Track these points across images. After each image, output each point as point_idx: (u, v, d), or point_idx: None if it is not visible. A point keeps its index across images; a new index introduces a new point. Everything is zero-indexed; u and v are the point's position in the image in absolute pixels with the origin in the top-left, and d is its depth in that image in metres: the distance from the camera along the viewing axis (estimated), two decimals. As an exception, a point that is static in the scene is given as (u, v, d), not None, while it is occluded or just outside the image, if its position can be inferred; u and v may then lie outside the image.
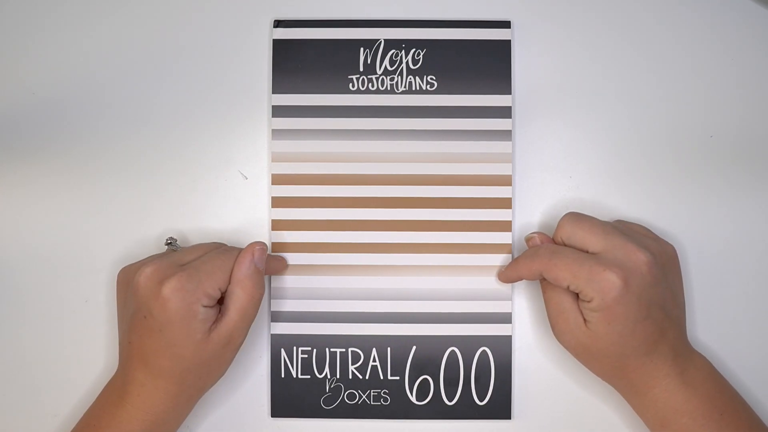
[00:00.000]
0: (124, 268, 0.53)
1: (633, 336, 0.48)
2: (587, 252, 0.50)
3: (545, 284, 0.52)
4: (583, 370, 0.52)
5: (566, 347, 0.51)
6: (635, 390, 0.51)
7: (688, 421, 0.49)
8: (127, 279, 0.51)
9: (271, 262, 0.54)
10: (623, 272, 0.48)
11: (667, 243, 0.52)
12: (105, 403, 0.51)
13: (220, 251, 0.51)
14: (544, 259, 0.50)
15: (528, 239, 0.54)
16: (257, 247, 0.51)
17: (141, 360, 0.49)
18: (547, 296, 0.52)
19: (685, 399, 0.49)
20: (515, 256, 0.56)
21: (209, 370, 0.51)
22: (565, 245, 0.51)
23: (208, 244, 0.53)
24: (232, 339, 0.50)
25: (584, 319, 0.49)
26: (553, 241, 0.52)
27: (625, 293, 0.47)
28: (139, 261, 0.52)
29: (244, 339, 0.51)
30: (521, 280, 0.54)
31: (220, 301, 0.51)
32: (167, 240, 0.53)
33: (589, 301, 0.48)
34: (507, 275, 0.53)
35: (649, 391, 0.50)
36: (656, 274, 0.49)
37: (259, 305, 0.51)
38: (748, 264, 0.56)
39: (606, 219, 0.56)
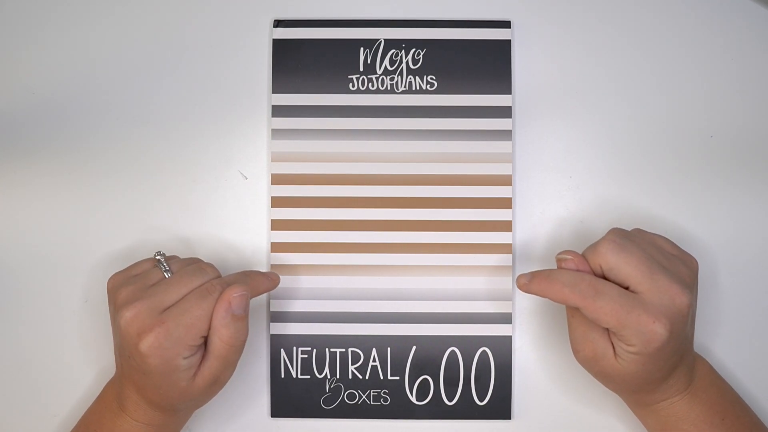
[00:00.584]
0: (112, 279, 0.51)
1: (661, 371, 0.48)
2: (628, 288, 0.46)
3: (573, 310, 0.48)
4: (583, 371, 0.52)
5: (586, 369, 0.50)
6: (641, 403, 0.51)
7: (689, 427, 0.49)
8: (111, 303, 0.50)
9: (259, 283, 0.51)
10: (670, 323, 0.45)
11: (690, 258, 0.50)
12: (105, 410, 0.51)
13: (200, 295, 0.48)
14: (587, 299, 0.45)
15: (560, 260, 0.48)
16: (235, 294, 0.48)
17: (133, 385, 0.49)
18: (574, 322, 0.49)
19: (687, 407, 0.49)
20: (515, 256, 0.56)
21: (199, 402, 0.51)
22: (603, 275, 0.47)
23: (193, 271, 0.50)
24: (218, 380, 0.49)
25: (614, 353, 0.47)
26: (590, 266, 0.48)
27: (668, 342, 0.46)
28: (126, 276, 0.50)
29: (230, 376, 0.50)
30: (545, 298, 0.48)
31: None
32: (156, 255, 0.51)
33: (629, 345, 0.46)
34: (530, 287, 0.48)
35: (654, 404, 0.50)
36: (693, 313, 0.47)
37: (243, 347, 0.49)
38: (748, 264, 0.56)
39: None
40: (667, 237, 0.51)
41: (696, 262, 0.49)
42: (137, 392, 0.49)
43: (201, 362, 0.48)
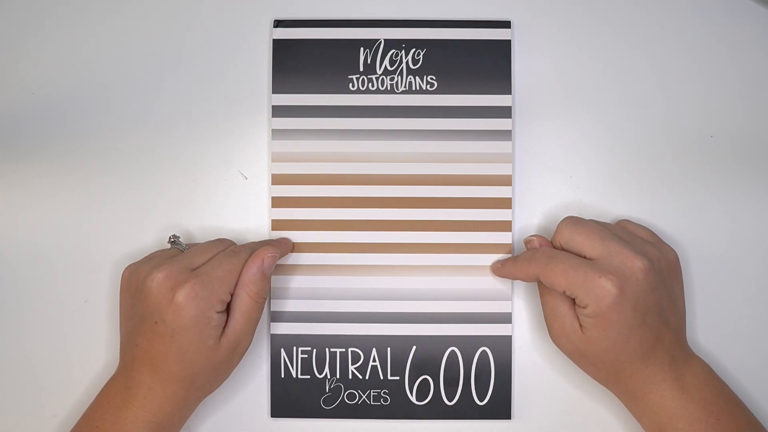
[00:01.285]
0: (130, 267, 0.52)
1: (628, 342, 0.48)
2: (584, 257, 0.50)
3: (542, 288, 0.52)
4: (582, 371, 0.52)
5: (563, 351, 0.52)
6: (631, 395, 0.51)
7: (684, 426, 0.49)
8: (135, 281, 0.50)
9: (284, 247, 0.55)
10: (618, 279, 0.48)
11: (668, 248, 0.52)
12: (108, 404, 0.51)
13: (229, 254, 0.51)
14: (541, 264, 0.50)
15: (527, 242, 0.54)
16: (268, 254, 0.51)
17: (148, 363, 0.49)
18: (544, 300, 0.52)
19: (681, 405, 0.49)
20: (515, 256, 0.56)
21: (217, 374, 0.51)
22: (563, 249, 0.51)
23: (214, 243, 0.53)
24: (240, 343, 0.51)
25: (580, 325, 0.50)
26: (552, 244, 0.52)
27: (619, 300, 0.47)
28: (146, 259, 0.52)
29: (250, 343, 0.52)
30: (516, 279, 0.54)
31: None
32: (170, 237, 0.53)
33: (584, 307, 0.48)
34: (502, 271, 0.54)
35: (645, 397, 0.50)
36: (653, 281, 0.48)
37: (263, 310, 0.52)
38: (748, 265, 0.56)
39: (608, 219, 0.56)
40: (650, 229, 0.53)
41: (674, 252, 0.52)
42: (153, 370, 0.49)
43: (225, 324, 0.50)
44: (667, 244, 0.52)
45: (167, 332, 0.48)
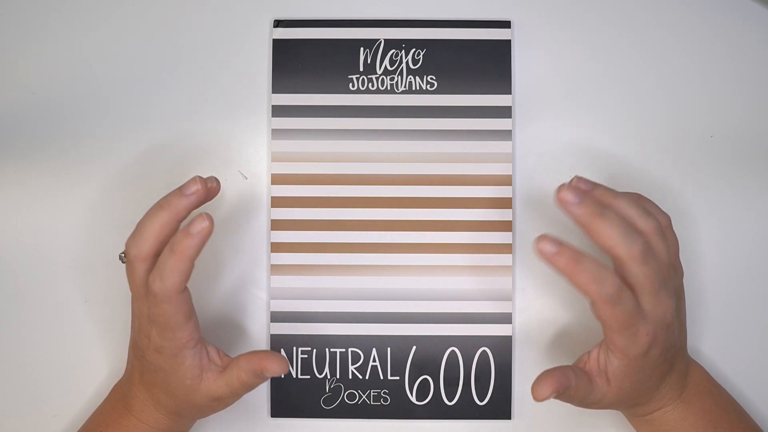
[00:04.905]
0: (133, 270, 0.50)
1: (650, 379, 0.48)
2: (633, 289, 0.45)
3: (559, 398, 0.47)
4: None
5: (591, 409, 0.49)
6: (636, 414, 0.51)
7: None
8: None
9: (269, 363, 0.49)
10: (656, 331, 0.45)
11: (680, 267, 0.50)
12: (111, 410, 0.51)
13: (153, 292, 0.46)
14: (608, 303, 0.43)
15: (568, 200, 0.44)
16: (269, 365, 0.48)
17: (142, 384, 0.50)
18: (566, 401, 0.48)
19: (681, 417, 0.49)
20: (515, 256, 0.56)
21: (203, 412, 0.51)
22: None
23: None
24: (220, 400, 0.49)
25: (608, 381, 0.47)
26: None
27: (652, 348, 0.46)
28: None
29: (238, 399, 0.50)
30: (581, 283, 0.44)
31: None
32: (120, 256, 0.50)
33: (616, 356, 0.46)
34: (556, 261, 0.43)
35: (648, 414, 0.50)
36: (675, 320, 0.47)
37: (243, 394, 0.50)
38: (748, 266, 0.56)
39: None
40: (639, 194, 0.51)
41: (682, 270, 0.50)
42: (147, 391, 0.50)
43: (206, 370, 0.48)
44: (679, 261, 0.50)
45: (150, 368, 0.48)
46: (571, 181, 0.47)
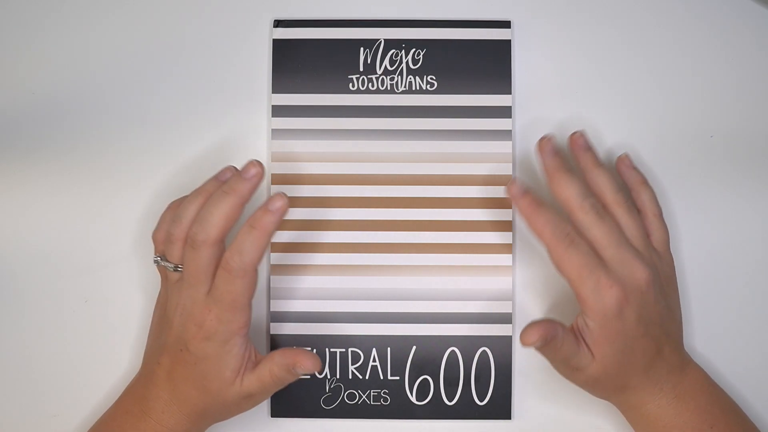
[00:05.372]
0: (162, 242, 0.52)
1: (633, 354, 0.48)
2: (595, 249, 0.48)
3: (550, 356, 0.49)
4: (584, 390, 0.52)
5: (575, 382, 0.51)
6: (629, 405, 0.51)
7: None
8: (162, 303, 0.52)
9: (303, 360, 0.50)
10: (625, 290, 0.47)
11: (669, 255, 0.52)
12: (126, 413, 0.51)
13: (226, 268, 0.48)
14: (561, 245, 0.48)
15: (543, 145, 0.51)
16: (301, 360, 0.50)
17: (169, 383, 0.49)
18: (555, 361, 0.50)
19: (675, 413, 0.49)
20: (515, 256, 0.56)
21: (228, 412, 0.51)
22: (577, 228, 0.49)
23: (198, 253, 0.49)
24: (253, 397, 0.50)
25: (591, 352, 0.48)
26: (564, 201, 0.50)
27: (624, 310, 0.47)
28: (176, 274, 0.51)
29: (265, 399, 0.52)
30: (524, 218, 0.49)
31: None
32: (155, 259, 0.52)
33: (587, 316, 0.48)
34: (519, 203, 0.49)
35: (643, 406, 0.50)
36: (654, 293, 0.49)
37: (281, 386, 0.51)
38: (747, 266, 0.56)
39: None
40: (644, 180, 0.54)
41: (671, 259, 0.53)
42: (172, 390, 0.49)
43: (246, 369, 0.49)
44: (669, 249, 0.52)
45: (191, 360, 0.48)
46: (572, 134, 0.53)
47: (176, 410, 0.49)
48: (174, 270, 0.50)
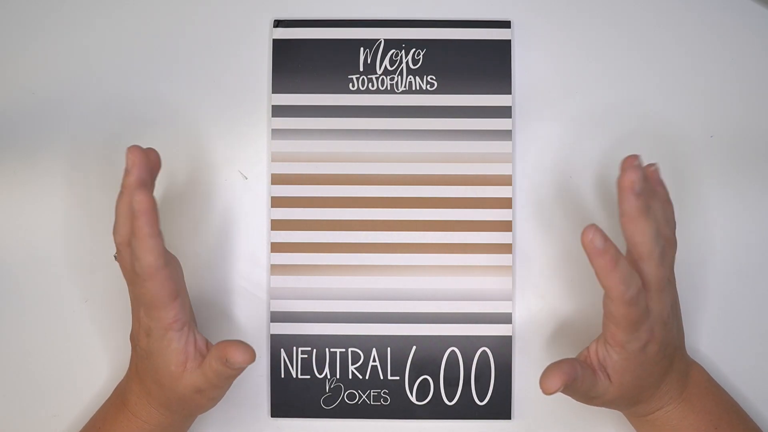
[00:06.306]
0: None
1: (650, 376, 0.48)
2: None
3: (565, 391, 0.47)
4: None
5: (593, 405, 0.50)
6: (638, 415, 0.51)
7: None
8: None
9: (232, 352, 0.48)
10: (654, 329, 0.46)
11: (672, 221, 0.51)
12: (110, 406, 0.52)
13: (138, 272, 0.47)
14: (631, 308, 0.44)
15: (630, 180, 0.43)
16: (232, 352, 0.47)
17: (137, 376, 0.51)
18: (575, 395, 0.48)
19: (681, 416, 0.49)
20: (515, 256, 0.56)
21: (188, 407, 0.51)
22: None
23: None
24: (203, 392, 0.49)
25: (608, 376, 0.47)
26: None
27: (650, 344, 0.46)
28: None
29: (221, 393, 0.50)
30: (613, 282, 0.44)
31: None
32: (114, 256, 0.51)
33: (617, 353, 0.46)
34: (597, 254, 0.43)
35: (651, 414, 0.50)
36: (673, 317, 0.48)
37: (223, 387, 0.50)
38: (748, 266, 0.56)
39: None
40: (668, 197, 0.51)
41: (674, 223, 0.50)
42: (140, 383, 0.50)
43: (191, 361, 0.48)
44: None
45: (143, 354, 0.49)
46: (629, 161, 0.44)
47: (146, 403, 0.50)
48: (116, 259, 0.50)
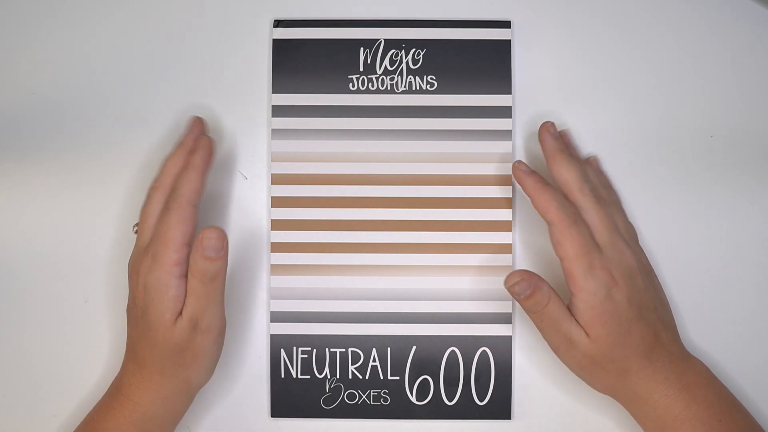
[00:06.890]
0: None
1: (630, 335, 0.49)
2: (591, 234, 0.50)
3: (537, 316, 0.50)
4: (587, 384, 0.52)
5: (571, 364, 0.51)
6: (636, 397, 0.50)
7: (687, 429, 0.49)
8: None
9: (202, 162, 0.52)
10: (615, 273, 0.49)
11: (642, 251, 0.53)
12: (105, 396, 0.52)
13: (164, 213, 0.51)
14: (565, 221, 0.49)
15: (544, 132, 0.54)
16: (206, 236, 0.48)
17: (131, 351, 0.51)
18: (543, 323, 0.50)
19: (684, 405, 0.49)
20: (515, 256, 0.56)
21: (185, 358, 0.50)
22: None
23: (153, 202, 0.53)
24: (197, 322, 0.49)
25: (586, 333, 0.49)
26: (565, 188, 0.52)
27: (615, 292, 0.49)
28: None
29: (217, 326, 0.50)
30: (527, 192, 0.51)
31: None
32: (134, 227, 0.54)
33: (576, 297, 0.49)
34: (524, 181, 0.52)
35: (650, 397, 0.50)
36: (643, 281, 0.50)
37: (217, 289, 0.50)
38: (747, 266, 0.56)
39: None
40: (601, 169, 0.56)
41: (646, 256, 0.53)
42: (134, 358, 0.51)
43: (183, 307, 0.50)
44: (639, 244, 0.54)
45: (138, 313, 0.50)
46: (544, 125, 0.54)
47: (139, 380, 0.50)
48: (134, 232, 0.53)
